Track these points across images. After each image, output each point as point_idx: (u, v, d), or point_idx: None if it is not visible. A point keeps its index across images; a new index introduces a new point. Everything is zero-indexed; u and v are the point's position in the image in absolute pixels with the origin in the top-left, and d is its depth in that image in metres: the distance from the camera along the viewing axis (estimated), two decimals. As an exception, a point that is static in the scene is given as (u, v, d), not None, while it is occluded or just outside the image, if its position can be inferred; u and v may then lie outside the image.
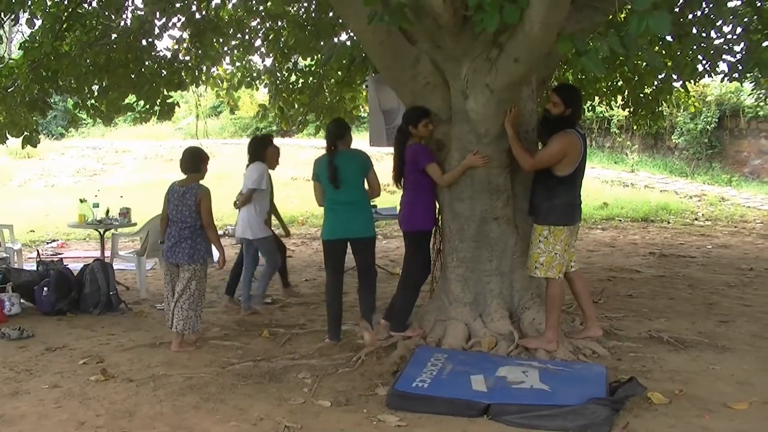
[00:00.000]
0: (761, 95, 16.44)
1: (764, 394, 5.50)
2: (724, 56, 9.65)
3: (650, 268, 11.32)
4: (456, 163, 6.47)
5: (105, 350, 6.88)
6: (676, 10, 8.38)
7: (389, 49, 6.41)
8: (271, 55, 11.86)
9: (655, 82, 11.06)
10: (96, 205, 10.11)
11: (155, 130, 29.29)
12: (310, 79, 11.97)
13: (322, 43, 10.58)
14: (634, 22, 4.30)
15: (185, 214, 6.83)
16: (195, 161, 7.06)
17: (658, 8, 4.29)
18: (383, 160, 13.58)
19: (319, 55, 10.99)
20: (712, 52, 9.46)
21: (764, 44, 10.47)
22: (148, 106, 10.73)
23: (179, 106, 11.70)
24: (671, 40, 9.64)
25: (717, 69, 9.79)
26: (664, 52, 10.31)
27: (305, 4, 11.04)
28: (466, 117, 6.23)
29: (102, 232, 10.17)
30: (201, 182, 7.04)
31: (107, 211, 10.23)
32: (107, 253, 10.07)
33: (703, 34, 9.46)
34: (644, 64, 10.37)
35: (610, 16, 5.12)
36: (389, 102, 7.88)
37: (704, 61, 9.77)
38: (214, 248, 7.08)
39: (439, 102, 6.56)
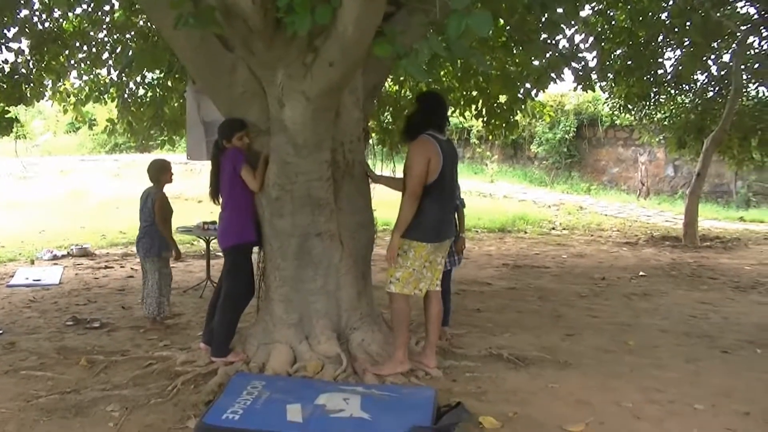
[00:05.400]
0: (616, 104, 16.73)
1: (602, 414, 5.37)
2: (572, 64, 9.56)
3: (502, 280, 11.24)
4: (274, 177, 6.09)
5: None
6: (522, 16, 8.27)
7: (203, 56, 6.05)
8: (118, 67, 11.40)
9: (504, 91, 10.90)
10: None
11: (11, 147, 28.22)
12: (158, 91, 11.60)
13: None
14: (454, 22, 3.92)
15: (146, 214, 8.20)
16: (153, 172, 8.30)
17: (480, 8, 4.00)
18: (202, 173, 13.31)
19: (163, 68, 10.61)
20: (558, 56, 9.34)
21: (617, 52, 10.53)
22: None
23: (19, 122, 11.05)
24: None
25: (562, 76, 9.69)
26: (516, 60, 10.23)
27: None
28: (283, 127, 5.86)
29: None
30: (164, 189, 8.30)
31: None
32: None
33: (549, 41, 9.36)
34: (497, 72, 10.24)
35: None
36: (211, 113, 7.49)
37: (550, 69, 9.67)
38: None
39: (257, 112, 6.17)
